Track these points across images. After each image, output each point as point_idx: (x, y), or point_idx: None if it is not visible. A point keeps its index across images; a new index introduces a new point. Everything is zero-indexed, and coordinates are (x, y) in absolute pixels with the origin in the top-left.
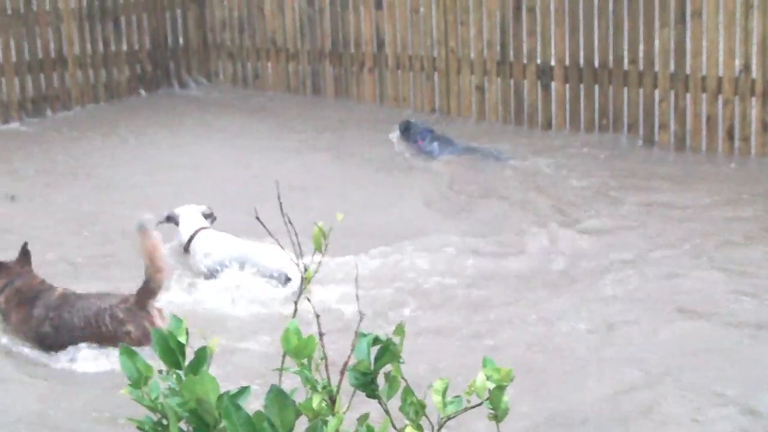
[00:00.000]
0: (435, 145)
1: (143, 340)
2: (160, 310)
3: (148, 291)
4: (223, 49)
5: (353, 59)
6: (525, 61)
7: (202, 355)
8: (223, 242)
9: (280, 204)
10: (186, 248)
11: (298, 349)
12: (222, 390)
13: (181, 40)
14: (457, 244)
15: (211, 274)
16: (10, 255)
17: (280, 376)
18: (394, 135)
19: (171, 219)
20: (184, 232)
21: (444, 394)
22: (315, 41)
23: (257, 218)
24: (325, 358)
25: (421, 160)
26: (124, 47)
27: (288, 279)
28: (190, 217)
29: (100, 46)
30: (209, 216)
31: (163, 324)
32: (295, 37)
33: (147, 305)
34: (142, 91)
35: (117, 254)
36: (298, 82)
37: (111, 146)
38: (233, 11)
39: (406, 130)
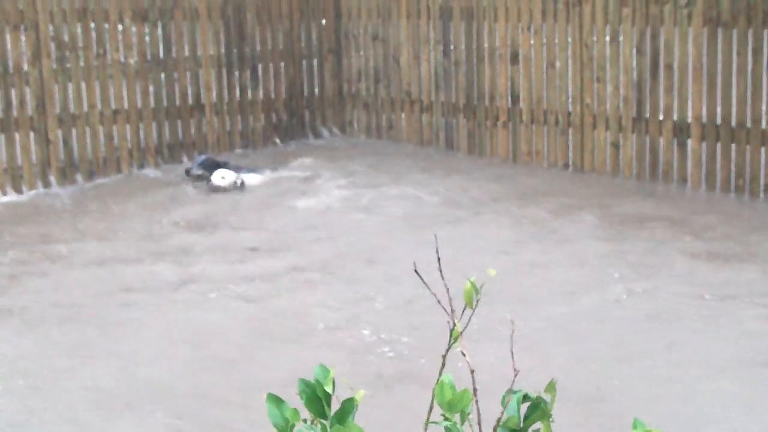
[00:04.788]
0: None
1: None
2: None
3: None
4: (358, 100)
5: (487, 113)
6: (661, 117)
7: (349, 406)
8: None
9: (438, 258)
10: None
11: (452, 403)
12: None
13: (316, 90)
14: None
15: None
16: None
17: (425, 427)
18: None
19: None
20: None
21: None
22: (449, 94)
23: (415, 271)
24: (478, 412)
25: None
26: (261, 95)
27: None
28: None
29: (237, 94)
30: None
31: None
32: (430, 89)
33: None
34: (277, 140)
35: None
36: (431, 134)
37: None
38: (369, 62)
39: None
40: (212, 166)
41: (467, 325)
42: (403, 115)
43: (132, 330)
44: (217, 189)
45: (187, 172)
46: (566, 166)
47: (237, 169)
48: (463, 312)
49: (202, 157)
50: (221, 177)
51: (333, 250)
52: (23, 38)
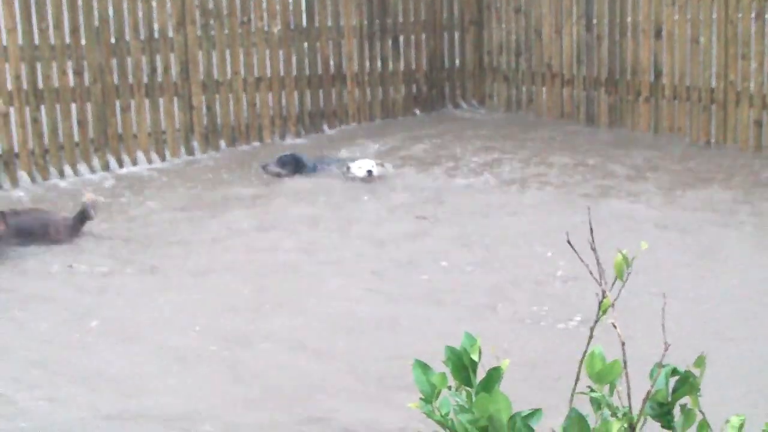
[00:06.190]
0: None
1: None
2: None
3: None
4: (498, 73)
5: (629, 88)
6: None
7: (496, 374)
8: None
9: (591, 230)
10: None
11: (602, 374)
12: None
13: (457, 62)
14: None
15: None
16: None
17: (572, 398)
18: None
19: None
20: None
21: (740, 430)
22: (591, 68)
23: (568, 242)
24: (628, 385)
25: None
26: (402, 66)
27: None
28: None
29: (378, 64)
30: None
31: None
32: (572, 62)
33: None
34: (417, 111)
35: None
36: (572, 108)
37: None
38: (511, 35)
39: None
40: (289, 162)
41: (617, 297)
42: (543, 88)
43: None
44: (370, 179)
45: (264, 168)
46: (708, 142)
47: (322, 160)
48: (613, 284)
49: (276, 155)
50: (374, 165)
51: (492, 225)
52: (169, 4)
